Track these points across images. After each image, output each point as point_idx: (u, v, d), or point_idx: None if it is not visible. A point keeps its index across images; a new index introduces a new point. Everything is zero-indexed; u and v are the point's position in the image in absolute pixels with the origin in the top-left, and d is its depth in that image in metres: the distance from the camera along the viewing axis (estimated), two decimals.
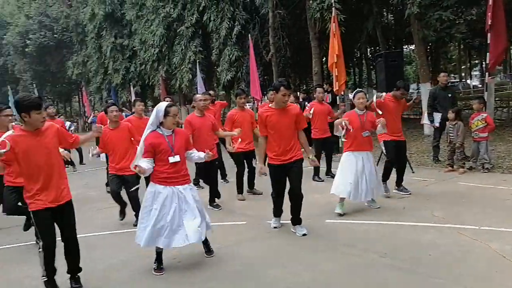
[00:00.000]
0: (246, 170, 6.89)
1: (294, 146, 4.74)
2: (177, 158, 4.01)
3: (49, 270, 3.61)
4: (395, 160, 6.21)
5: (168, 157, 3.96)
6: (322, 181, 7.53)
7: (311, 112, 7.64)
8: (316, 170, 7.56)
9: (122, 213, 5.82)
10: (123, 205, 5.78)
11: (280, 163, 4.70)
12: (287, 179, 4.77)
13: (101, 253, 4.74)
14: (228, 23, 14.53)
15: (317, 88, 8.02)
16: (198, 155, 4.27)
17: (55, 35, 28.57)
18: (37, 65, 30.84)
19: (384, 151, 6.37)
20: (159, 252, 4.09)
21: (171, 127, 4.07)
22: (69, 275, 3.78)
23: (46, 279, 3.62)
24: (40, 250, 3.55)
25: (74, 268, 3.78)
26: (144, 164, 3.83)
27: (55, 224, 3.60)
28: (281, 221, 5.15)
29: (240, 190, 6.80)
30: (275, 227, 5.05)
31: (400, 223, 4.96)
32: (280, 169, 4.72)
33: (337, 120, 5.49)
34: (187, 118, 6.27)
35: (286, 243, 4.63)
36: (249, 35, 13.03)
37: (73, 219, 3.72)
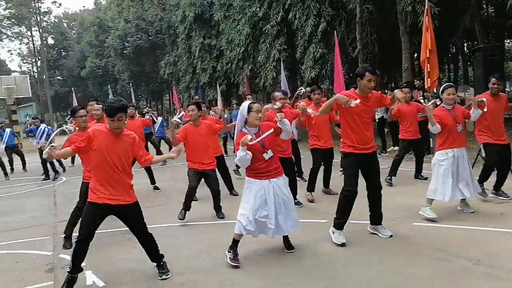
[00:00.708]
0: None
1: (372, 136, 4.54)
2: (270, 154, 4.09)
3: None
4: (497, 165, 5.66)
5: (262, 155, 4.06)
6: (425, 178, 7.18)
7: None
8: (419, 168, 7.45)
9: (185, 212, 5.81)
10: (189, 204, 5.83)
11: (359, 152, 4.44)
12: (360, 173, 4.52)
13: (182, 242, 4.95)
14: (314, 20, 14.37)
15: (403, 89, 7.59)
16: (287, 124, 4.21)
17: (150, 38, 30.55)
18: (133, 65, 33.24)
19: (484, 154, 5.85)
20: (236, 241, 4.14)
21: (255, 123, 4.12)
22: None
23: None
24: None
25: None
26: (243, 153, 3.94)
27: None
28: (358, 221, 4.92)
29: (311, 188, 6.62)
30: (343, 244, 4.41)
31: (497, 229, 4.52)
32: (358, 159, 4.45)
33: (429, 110, 5.08)
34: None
35: (368, 243, 4.44)
36: (335, 32, 12.76)
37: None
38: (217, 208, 5.98)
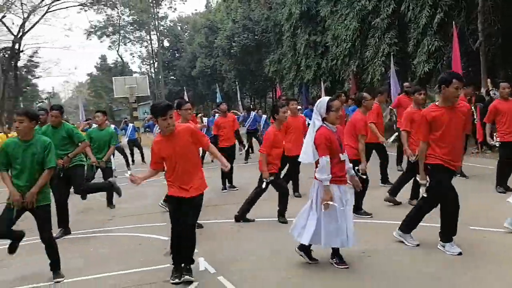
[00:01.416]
0: None
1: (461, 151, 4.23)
2: (345, 156, 3.89)
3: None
4: None
5: (339, 154, 3.86)
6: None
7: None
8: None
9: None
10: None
11: (451, 167, 4.09)
12: None
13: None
14: (429, 11, 13.40)
15: (501, 83, 6.64)
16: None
17: (255, 37, 31.35)
18: (239, 64, 34.41)
19: None
20: (334, 249, 4.03)
21: (335, 122, 3.91)
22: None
23: None
24: None
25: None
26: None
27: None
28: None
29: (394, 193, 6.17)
30: (460, 253, 4.05)
31: None
32: (450, 174, 4.13)
33: None
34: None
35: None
36: (453, 23, 11.75)
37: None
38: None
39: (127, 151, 14.23)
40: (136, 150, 14.90)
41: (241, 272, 4.06)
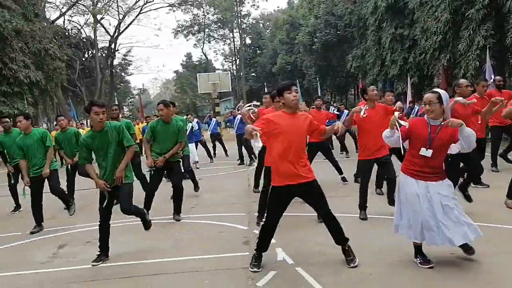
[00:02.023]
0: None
1: None
2: (428, 153, 3.61)
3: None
4: None
5: (421, 147, 3.65)
6: None
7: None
8: None
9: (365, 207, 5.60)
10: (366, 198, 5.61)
11: None
12: None
13: (370, 235, 4.76)
14: None
15: None
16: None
17: (338, 32, 30.73)
18: (320, 60, 34.00)
19: None
20: (416, 247, 3.84)
21: (437, 117, 3.65)
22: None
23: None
24: None
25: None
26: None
27: None
28: None
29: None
30: None
31: None
32: None
33: None
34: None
35: None
36: None
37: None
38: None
39: (210, 145, 14.71)
40: (218, 145, 15.38)
41: (320, 265, 4.01)
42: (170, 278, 4.02)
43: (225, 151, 15.21)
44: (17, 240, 5.68)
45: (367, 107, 5.29)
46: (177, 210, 6.28)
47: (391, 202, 5.45)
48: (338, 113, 12.96)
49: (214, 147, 15.34)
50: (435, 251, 3.89)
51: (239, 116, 13.03)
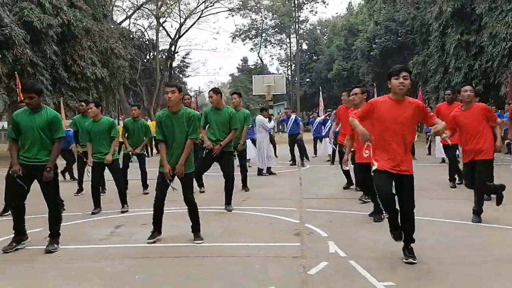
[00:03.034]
0: None
1: None
2: None
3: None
4: None
5: None
6: None
7: None
8: None
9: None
10: None
11: None
12: None
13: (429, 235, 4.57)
14: None
15: None
16: None
17: (398, 38, 29.84)
18: (379, 67, 33.14)
19: None
20: None
21: None
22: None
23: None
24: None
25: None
26: None
27: None
28: None
29: None
30: None
31: None
32: None
33: None
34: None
35: None
36: None
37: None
38: None
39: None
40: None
41: (374, 260, 3.88)
42: (220, 261, 4.05)
43: (275, 151, 15.13)
44: (78, 219, 5.98)
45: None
46: (227, 201, 6.33)
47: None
48: None
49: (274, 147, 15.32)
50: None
51: (293, 117, 13.05)
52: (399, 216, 3.76)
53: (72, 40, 21.39)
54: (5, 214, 6.31)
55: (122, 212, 6.35)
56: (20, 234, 4.57)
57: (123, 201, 6.54)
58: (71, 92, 21.37)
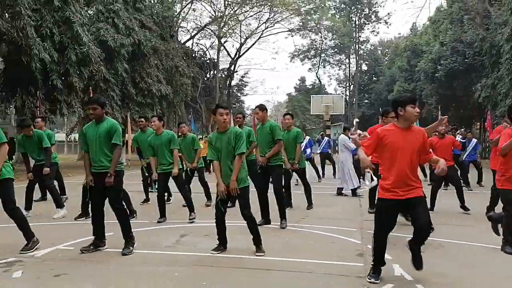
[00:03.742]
0: None
1: None
2: None
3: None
4: None
5: None
6: None
7: None
8: None
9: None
10: None
11: None
12: None
13: None
14: None
15: None
16: None
17: (465, 60, 28.65)
18: (443, 89, 31.93)
19: None
20: None
21: None
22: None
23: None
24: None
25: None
26: None
27: None
28: None
29: None
30: None
31: None
32: None
33: None
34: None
35: None
36: None
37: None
38: None
39: (318, 165, 14.66)
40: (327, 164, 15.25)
41: (443, 285, 3.76)
42: (282, 275, 4.09)
43: (335, 171, 14.92)
44: (145, 226, 6.29)
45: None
46: (281, 216, 6.37)
47: None
48: (464, 141, 11.98)
49: (323, 167, 15.20)
50: None
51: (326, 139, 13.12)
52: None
53: (141, 59, 22.71)
54: (80, 218, 6.78)
55: (190, 220, 6.64)
56: (98, 239, 4.91)
57: (191, 209, 6.84)
58: (137, 107, 22.58)
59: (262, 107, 6.54)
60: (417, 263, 3.82)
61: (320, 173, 14.64)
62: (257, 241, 4.82)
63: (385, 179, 3.83)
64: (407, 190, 3.73)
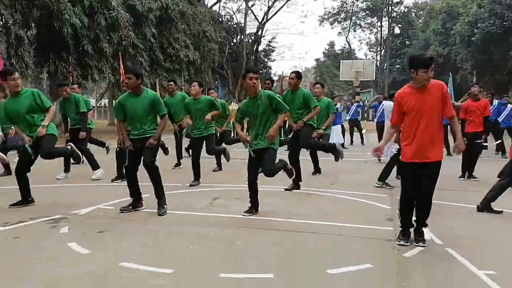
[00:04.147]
0: None
1: None
2: None
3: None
4: None
5: None
6: None
7: None
8: None
9: None
10: None
11: None
12: None
13: None
14: None
15: None
16: None
17: (504, 23, 27.27)
18: (480, 54, 30.63)
19: None
20: None
21: None
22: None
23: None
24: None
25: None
26: None
27: None
28: None
29: None
30: None
31: None
32: None
33: None
34: None
35: None
36: None
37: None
38: None
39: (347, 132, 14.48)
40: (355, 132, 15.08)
41: (473, 249, 3.81)
42: (314, 236, 4.22)
43: (362, 139, 14.74)
44: (178, 189, 6.52)
45: None
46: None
47: None
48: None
49: (351, 134, 15.03)
50: None
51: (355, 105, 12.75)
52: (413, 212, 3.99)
53: (168, 23, 22.63)
54: (116, 181, 7.07)
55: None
56: (136, 201, 5.16)
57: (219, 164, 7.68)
58: (166, 73, 22.72)
59: (299, 75, 6.56)
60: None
61: (350, 140, 14.54)
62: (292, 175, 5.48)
63: (406, 141, 3.88)
64: (425, 152, 3.78)
